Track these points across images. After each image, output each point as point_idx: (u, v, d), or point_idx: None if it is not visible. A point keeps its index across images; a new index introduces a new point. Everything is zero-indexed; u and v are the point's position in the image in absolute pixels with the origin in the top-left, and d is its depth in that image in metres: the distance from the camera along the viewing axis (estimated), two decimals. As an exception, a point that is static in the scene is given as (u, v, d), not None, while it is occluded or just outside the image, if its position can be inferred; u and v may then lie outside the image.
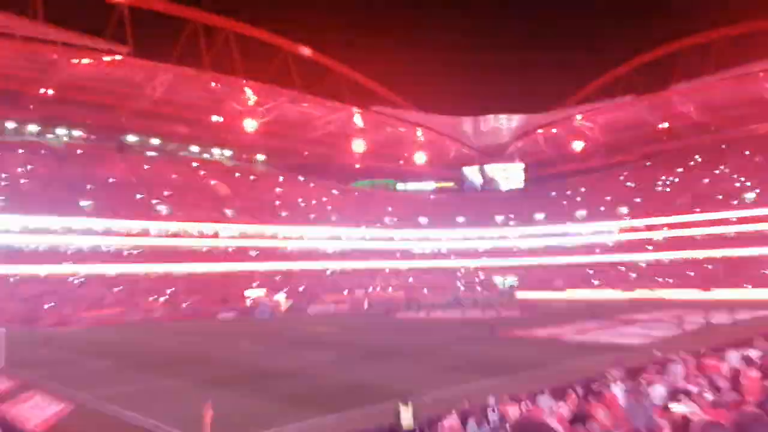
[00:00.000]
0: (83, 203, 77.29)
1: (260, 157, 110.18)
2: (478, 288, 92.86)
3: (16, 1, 67.96)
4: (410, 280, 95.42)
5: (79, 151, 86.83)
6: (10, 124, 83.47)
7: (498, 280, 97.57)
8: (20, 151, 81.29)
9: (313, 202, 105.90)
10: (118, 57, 72.99)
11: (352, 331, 45.65)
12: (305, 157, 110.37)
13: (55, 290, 66.64)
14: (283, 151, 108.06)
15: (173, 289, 74.01)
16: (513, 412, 13.67)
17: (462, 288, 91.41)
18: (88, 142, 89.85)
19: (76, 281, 70.20)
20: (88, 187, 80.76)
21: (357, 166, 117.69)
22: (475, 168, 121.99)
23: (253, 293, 76.82)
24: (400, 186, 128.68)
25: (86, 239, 74.94)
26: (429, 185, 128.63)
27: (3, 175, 75.08)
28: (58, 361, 33.29)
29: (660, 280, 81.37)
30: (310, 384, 24.01)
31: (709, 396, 8.68)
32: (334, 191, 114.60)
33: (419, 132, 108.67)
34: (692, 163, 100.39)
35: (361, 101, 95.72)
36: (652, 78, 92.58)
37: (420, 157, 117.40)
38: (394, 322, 54.33)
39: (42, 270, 68.97)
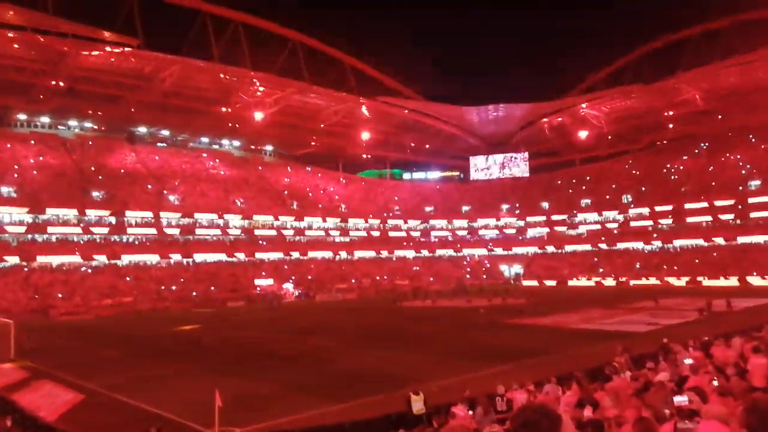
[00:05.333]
0: (94, 194, 78.19)
1: (269, 147, 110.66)
2: (484, 276, 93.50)
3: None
4: (416, 268, 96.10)
5: (89, 143, 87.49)
6: (22, 116, 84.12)
7: (504, 268, 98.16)
8: (32, 142, 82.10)
9: (321, 191, 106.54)
10: (127, 49, 73.36)
11: (360, 316, 46.14)
12: (313, 147, 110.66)
13: (66, 280, 67.68)
14: (291, 142, 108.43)
15: (183, 278, 75.00)
16: (521, 399, 14.15)
17: (468, 276, 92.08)
18: (98, 134, 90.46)
19: (87, 271, 71.15)
20: (99, 177, 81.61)
21: (364, 156, 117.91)
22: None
23: (262, 282, 77.78)
24: (406, 176, 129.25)
25: (97, 229, 75.94)
26: (435, 174, 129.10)
27: (15, 167, 75.90)
28: (69, 350, 34.11)
29: (666, 268, 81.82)
30: (319, 371, 24.55)
31: (716, 383, 9.06)
32: (342, 180, 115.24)
33: (425, 122, 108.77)
34: (698, 150, 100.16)
35: (367, 91, 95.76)
36: (659, 66, 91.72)
37: (426, 147, 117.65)
38: (402, 310, 54.89)
39: (54, 260, 69.98)
